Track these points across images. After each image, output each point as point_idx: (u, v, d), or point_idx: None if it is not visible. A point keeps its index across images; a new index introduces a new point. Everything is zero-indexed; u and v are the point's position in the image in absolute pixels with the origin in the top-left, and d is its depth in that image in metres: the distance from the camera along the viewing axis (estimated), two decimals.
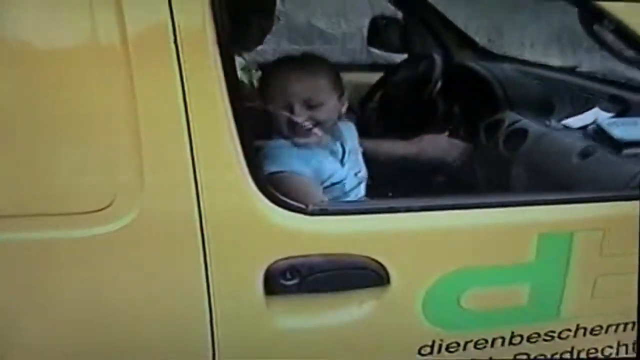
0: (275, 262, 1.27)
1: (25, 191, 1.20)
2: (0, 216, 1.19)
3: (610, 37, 1.50)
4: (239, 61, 1.89)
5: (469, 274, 1.37)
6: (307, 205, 1.29)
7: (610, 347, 1.50)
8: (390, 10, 2.58)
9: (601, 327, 1.47)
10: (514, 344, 1.44)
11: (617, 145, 1.70)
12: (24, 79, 1.17)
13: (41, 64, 1.16)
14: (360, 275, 1.31)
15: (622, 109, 1.98)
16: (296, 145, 1.54)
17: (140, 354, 1.31)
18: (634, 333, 1.50)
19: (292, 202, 1.28)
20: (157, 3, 1.15)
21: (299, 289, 1.29)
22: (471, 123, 2.13)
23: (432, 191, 1.84)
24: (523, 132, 1.93)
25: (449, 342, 1.41)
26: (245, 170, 1.24)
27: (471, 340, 1.42)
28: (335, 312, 1.35)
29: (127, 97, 1.16)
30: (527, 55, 3.54)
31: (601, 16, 1.42)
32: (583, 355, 1.50)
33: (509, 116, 2.02)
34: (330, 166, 1.57)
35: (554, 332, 1.45)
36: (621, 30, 1.42)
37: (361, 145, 1.74)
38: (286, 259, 1.27)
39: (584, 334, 1.46)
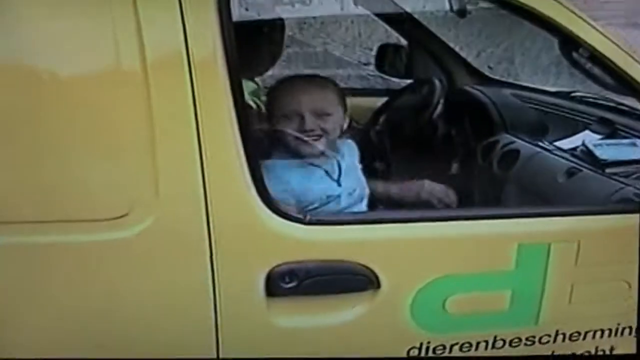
0: (276, 266, 1.39)
1: (54, 200, 1.34)
2: (31, 222, 1.34)
3: (588, 64, 1.63)
4: (248, 85, 2.04)
5: (454, 280, 1.48)
6: (305, 215, 1.43)
7: (589, 352, 1.59)
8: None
9: (579, 332, 1.56)
10: (497, 348, 1.53)
11: (601, 165, 1.83)
12: (56, 99, 1.30)
13: (71, 85, 1.30)
14: (353, 280, 1.42)
15: (611, 131, 2.10)
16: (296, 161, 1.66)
17: (148, 350, 1.41)
18: (612, 339, 1.59)
19: (291, 212, 1.41)
20: (174, 31, 1.29)
21: (297, 292, 1.40)
22: (468, 144, 2.27)
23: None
24: (516, 153, 2.06)
25: (435, 344, 1.51)
26: (250, 183, 1.36)
27: (457, 343, 1.52)
28: (330, 313, 1.46)
29: (145, 117, 1.30)
30: (524, 81, 3.65)
31: (577, 44, 1.56)
32: None
33: (504, 138, 2.16)
34: (324, 186, 1.66)
35: (534, 336, 1.54)
36: (595, 57, 1.55)
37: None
38: (285, 264, 1.39)
39: (563, 340, 1.55)
